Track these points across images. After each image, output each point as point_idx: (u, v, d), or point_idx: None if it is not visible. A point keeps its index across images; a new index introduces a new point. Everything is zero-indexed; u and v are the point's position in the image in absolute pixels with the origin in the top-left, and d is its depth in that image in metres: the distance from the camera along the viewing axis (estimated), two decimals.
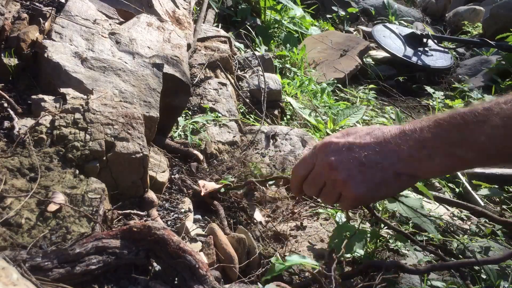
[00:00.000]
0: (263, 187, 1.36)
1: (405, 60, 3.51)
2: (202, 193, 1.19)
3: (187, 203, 1.17)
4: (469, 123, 0.72)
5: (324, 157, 0.84)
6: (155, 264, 0.82)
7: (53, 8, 1.29)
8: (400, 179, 0.80)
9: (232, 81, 1.98)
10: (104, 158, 0.96)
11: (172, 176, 1.26)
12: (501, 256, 1.03)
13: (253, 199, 1.29)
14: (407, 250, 1.16)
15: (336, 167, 0.81)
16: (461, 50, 4.20)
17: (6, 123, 0.97)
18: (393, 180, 0.80)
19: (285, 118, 2.13)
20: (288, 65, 2.69)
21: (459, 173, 1.79)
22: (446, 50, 3.80)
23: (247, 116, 1.90)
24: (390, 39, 3.69)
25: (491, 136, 0.70)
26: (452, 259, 1.18)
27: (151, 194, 1.07)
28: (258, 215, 1.24)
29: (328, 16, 4.46)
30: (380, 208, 1.24)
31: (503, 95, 0.73)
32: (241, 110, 1.91)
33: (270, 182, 1.40)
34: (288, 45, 2.99)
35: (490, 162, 0.76)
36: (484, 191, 1.58)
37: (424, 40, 3.74)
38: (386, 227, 1.23)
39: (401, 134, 0.80)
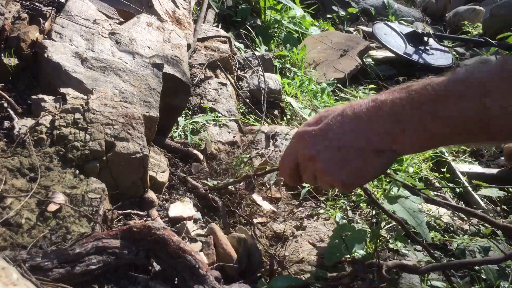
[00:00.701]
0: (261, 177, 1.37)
1: (406, 58, 3.51)
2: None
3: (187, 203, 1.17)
4: (441, 97, 0.68)
5: (301, 150, 0.81)
6: (155, 264, 0.82)
7: (53, 8, 1.29)
8: (383, 155, 0.77)
9: (232, 81, 1.98)
10: (104, 158, 0.96)
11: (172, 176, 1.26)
12: (501, 256, 1.03)
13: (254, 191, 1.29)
14: (407, 250, 1.16)
15: (314, 157, 0.79)
16: (461, 50, 4.20)
17: (6, 123, 0.98)
18: (376, 159, 0.77)
19: (285, 118, 2.13)
20: (288, 65, 2.69)
21: (459, 173, 1.79)
22: (447, 49, 3.81)
23: (247, 116, 1.90)
24: (391, 37, 3.69)
25: (466, 112, 0.66)
26: (452, 259, 1.18)
27: (151, 194, 1.08)
28: (259, 199, 1.24)
29: (328, 16, 4.46)
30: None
31: (478, 63, 0.69)
32: (241, 110, 1.91)
33: (270, 182, 1.40)
34: (288, 45, 2.99)
35: (471, 139, 0.73)
36: (484, 191, 1.58)
37: (425, 38, 3.74)
38: (386, 227, 1.23)
39: (372, 108, 0.75)
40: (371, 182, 1.48)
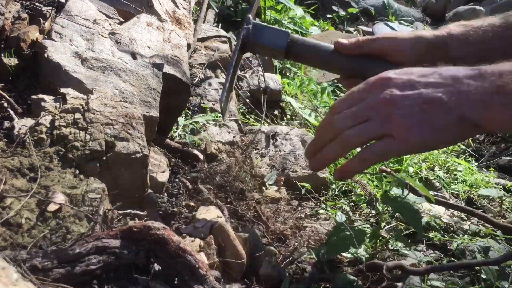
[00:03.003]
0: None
1: None
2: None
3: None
4: None
5: (380, 92, 0.72)
6: (155, 264, 0.82)
7: (53, 8, 1.29)
8: (463, 125, 0.69)
9: None
10: (104, 158, 0.96)
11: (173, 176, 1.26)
12: (501, 257, 1.03)
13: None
14: (407, 250, 1.16)
15: (395, 102, 0.70)
16: None
17: (6, 123, 0.97)
18: (456, 125, 0.69)
19: (285, 118, 2.13)
20: (288, 65, 2.69)
21: None
22: None
23: (247, 116, 1.90)
24: None
25: None
26: (452, 259, 1.18)
27: (151, 194, 1.07)
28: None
29: (328, 16, 4.46)
30: (381, 209, 1.24)
31: None
32: (241, 110, 1.91)
33: (270, 182, 1.40)
34: None
35: None
36: (484, 191, 1.57)
37: None
38: (386, 227, 1.23)
39: (476, 76, 0.69)
40: (371, 181, 1.48)
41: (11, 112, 1.00)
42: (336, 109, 0.76)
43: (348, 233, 1.03)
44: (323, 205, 1.35)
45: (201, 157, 1.39)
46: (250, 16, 0.97)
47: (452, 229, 1.35)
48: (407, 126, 0.70)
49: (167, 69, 1.30)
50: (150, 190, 1.09)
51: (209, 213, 1.09)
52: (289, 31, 0.97)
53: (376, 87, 0.73)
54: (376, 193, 1.35)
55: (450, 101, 0.69)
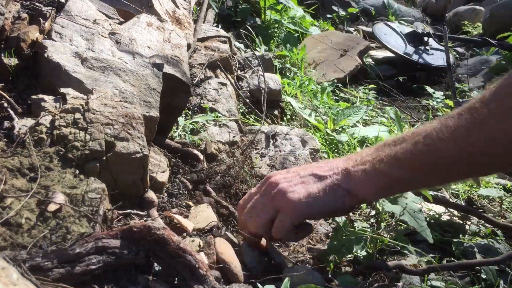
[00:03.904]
0: None
1: (406, 58, 3.51)
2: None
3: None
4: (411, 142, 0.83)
5: (267, 180, 0.96)
6: (155, 264, 0.82)
7: (53, 8, 1.29)
8: (337, 191, 0.86)
9: (232, 81, 1.98)
10: (104, 158, 0.96)
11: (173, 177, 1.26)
12: (501, 257, 1.03)
13: None
14: (408, 250, 1.16)
15: (278, 181, 0.91)
16: (461, 50, 4.20)
17: (6, 123, 0.97)
18: (330, 190, 0.86)
19: (285, 118, 2.13)
20: (288, 65, 2.69)
21: None
22: None
23: (247, 116, 1.90)
24: (391, 37, 3.69)
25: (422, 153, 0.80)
26: (452, 259, 1.18)
27: (151, 194, 1.07)
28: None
29: (328, 16, 4.46)
30: (381, 209, 1.24)
31: (434, 120, 0.83)
32: (241, 110, 1.91)
33: None
34: (288, 45, 2.99)
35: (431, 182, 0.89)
36: (484, 191, 1.57)
37: (425, 38, 3.74)
38: (386, 227, 1.23)
39: (345, 157, 0.91)
40: None
41: (11, 112, 1.00)
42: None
43: (349, 235, 1.03)
44: None
45: (201, 157, 1.39)
46: None
47: (451, 229, 1.35)
48: (289, 193, 0.87)
49: (167, 69, 1.30)
50: (150, 190, 1.09)
51: (202, 212, 1.10)
52: None
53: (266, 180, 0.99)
54: None
55: (322, 173, 0.88)
